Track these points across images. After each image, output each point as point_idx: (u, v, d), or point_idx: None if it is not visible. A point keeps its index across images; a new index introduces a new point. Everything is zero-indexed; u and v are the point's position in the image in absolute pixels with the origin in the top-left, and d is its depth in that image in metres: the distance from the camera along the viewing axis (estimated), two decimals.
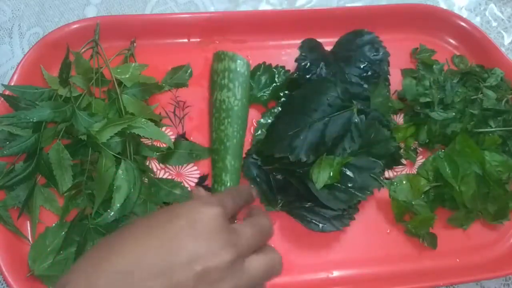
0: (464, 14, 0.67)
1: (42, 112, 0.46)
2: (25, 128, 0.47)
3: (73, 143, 0.49)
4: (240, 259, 0.31)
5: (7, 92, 0.49)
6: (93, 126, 0.46)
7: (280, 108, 0.53)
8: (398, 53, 0.59)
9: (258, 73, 0.55)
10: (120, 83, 0.51)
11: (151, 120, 0.48)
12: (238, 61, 0.52)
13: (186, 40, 0.58)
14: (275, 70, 0.56)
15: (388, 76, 0.55)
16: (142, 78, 0.52)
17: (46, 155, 0.47)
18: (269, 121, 0.53)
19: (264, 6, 0.64)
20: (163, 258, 0.29)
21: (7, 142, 0.47)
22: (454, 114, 0.54)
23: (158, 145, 0.52)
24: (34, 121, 0.46)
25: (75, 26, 0.53)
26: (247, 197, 0.43)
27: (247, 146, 0.53)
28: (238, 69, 0.52)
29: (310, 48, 0.55)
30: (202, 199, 0.37)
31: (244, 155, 0.52)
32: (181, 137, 0.53)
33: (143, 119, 0.47)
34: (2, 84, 0.50)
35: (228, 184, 0.49)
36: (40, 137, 0.47)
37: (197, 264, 0.29)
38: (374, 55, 0.54)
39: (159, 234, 0.30)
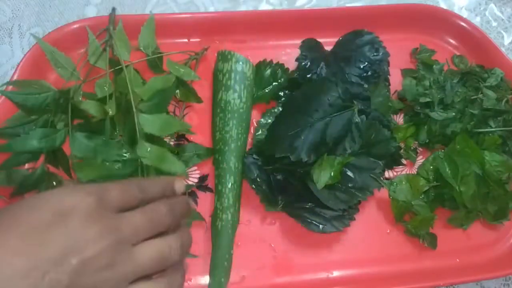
0: (464, 14, 0.67)
1: (26, 141, 0.43)
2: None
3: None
4: (124, 246, 0.29)
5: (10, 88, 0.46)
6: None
7: (280, 108, 0.53)
8: (398, 53, 0.59)
9: (261, 69, 0.55)
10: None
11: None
12: (245, 63, 0.52)
13: (186, 40, 0.58)
14: (277, 66, 0.55)
15: (388, 76, 0.56)
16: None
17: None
18: (270, 121, 0.53)
19: (264, 6, 0.64)
20: (29, 258, 0.26)
21: None
22: (454, 114, 0.54)
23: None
24: (20, 150, 0.44)
25: (75, 26, 0.53)
26: (157, 190, 0.35)
27: (247, 146, 0.53)
28: (244, 71, 0.52)
29: (310, 48, 0.55)
30: (75, 186, 0.35)
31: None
32: (182, 137, 0.53)
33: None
34: (0, 91, 0.46)
35: (231, 185, 0.49)
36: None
37: (71, 258, 0.27)
38: (374, 55, 0.54)
39: (21, 231, 0.27)
